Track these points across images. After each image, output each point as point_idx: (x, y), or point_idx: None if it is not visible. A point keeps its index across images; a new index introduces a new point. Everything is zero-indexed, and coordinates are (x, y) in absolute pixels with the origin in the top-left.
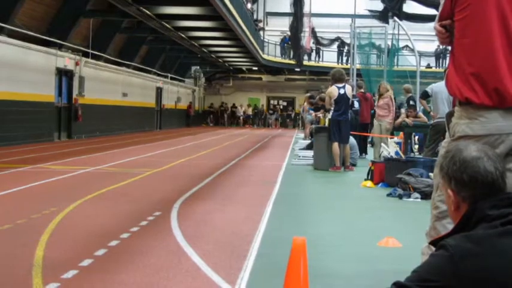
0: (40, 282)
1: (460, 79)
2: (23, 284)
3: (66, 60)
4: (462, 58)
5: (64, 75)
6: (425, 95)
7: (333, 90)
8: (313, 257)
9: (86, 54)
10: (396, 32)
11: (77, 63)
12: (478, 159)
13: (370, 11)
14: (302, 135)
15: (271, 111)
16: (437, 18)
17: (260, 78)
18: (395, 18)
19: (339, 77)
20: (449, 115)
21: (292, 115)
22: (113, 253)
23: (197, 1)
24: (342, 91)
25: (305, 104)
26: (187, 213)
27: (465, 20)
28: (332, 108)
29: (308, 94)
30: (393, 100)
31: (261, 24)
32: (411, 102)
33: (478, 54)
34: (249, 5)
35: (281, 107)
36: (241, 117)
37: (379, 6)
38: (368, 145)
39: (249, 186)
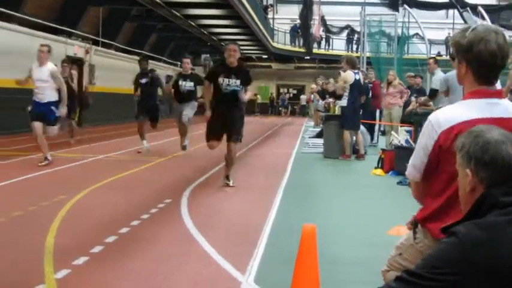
0: (51, 269)
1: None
2: (35, 270)
3: (76, 48)
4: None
5: (74, 64)
6: (433, 94)
7: (349, 75)
8: (323, 244)
9: (95, 43)
10: (406, 19)
11: (86, 52)
12: (502, 143)
13: None
14: (312, 123)
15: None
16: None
17: (270, 67)
18: (405, 5)
19: (355, 63)
20: None
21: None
22: (124, 240)
23: None
24: (357, 77)
25: (315, 88)
26: (197, 201)
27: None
28: (345, 94)
29: (323, 81)
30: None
31: (270, 14)
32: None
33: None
34: None
35: (291, 94)
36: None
37: None
38: (377, 133)
39: (259, 174)
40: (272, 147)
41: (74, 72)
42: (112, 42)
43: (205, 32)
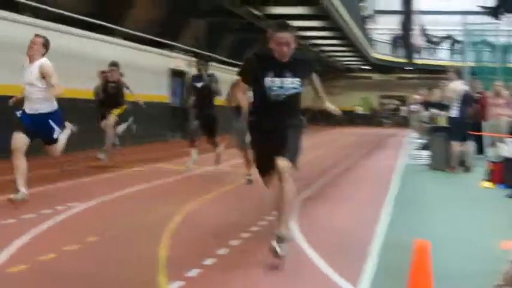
0: (165, 280)
1: None
2: (149, 281)
3: (178, 61)
4: None
5: (177, 76)
6: None
7: (458, 86)
8: (433, 257)
9: (197, 55)
10: (510, 28)
11: (189, 65)
12: None
13: (481, 7)
14: (415, 135)
15: None
16: None
17: (370, 78)
18: (507, 14)
19: (462, 73)
20: None
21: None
22: (235, 253)
23: (305, 0)
24: (465, 87)
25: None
26: (304, 213)
27: None
28: (455, 105)
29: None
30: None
31: (370, 24)
32: None
33: None
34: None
35: (394, 105)
36: None
37: (491, 2)
38: (487, 145)
39: (364, 186)
40: (375, 159)
41: (123, 81)
42: (213, 55)
43: (304, 43)
